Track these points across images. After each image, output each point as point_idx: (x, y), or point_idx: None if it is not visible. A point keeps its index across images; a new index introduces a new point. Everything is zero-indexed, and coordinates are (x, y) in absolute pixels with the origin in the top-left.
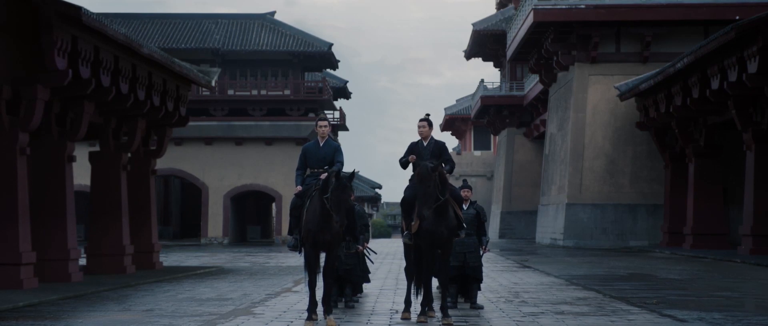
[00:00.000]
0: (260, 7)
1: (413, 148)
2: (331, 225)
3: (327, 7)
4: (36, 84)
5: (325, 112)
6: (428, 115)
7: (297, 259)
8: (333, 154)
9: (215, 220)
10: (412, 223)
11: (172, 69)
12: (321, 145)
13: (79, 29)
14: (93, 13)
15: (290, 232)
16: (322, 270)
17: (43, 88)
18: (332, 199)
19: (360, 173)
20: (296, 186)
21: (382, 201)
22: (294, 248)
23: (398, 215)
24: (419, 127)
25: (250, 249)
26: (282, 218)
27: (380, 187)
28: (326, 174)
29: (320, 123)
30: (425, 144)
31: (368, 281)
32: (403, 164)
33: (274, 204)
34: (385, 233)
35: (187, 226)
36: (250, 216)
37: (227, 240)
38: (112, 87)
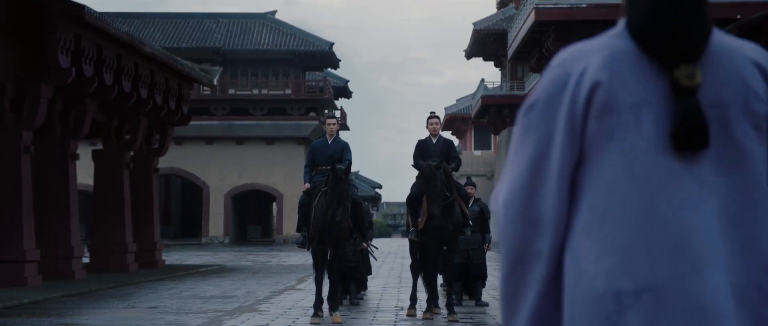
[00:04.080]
0: (261, 7)
1: (422, 146)
2: (337, 222)
3: (328, 6)
4: (39, 82)
5: (326, 110)
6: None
7: (298, 258)
8: (341, 152)
9: (216, 220)
10: (419, 220)
11: (174, 67)
12: (329, 142)
13: (83, 28)
14: (96, 12)
15: (298, 229)
16: (328, 266)
17: (46, 87)
18: (330, 192)
19: (360, 173)
20: (304, 183)
21: (382, 201)
22: (302, 245)
23: (398, 215)
24: (431, 123)
25: (252, 249)
26: (283, 217)
27: (380, 187)
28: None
29: (329, 120)
30: (434, 141)
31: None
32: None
33: (274, 204)
34: (385, 233)
35: (187, 226)
36: (251, 215)
37: (228, 239)
38: (114, 85)
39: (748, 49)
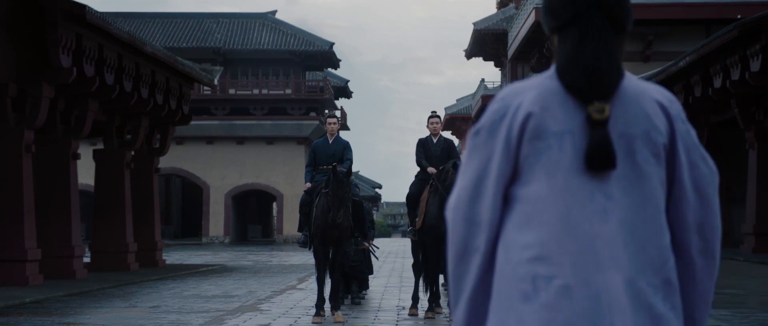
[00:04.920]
0: (261, 6)
1: (424, 145)
2: (339, 223)
3: (328, 6)
4: (41, 82)
5: (327, 110)
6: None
7: (299, 258)
8: (342, 151)
9: (216, 219)
10: (417, 219)
11: (175, 67)
12: (330, 141)
13: (84, 27)
14: (97, 12)
15: (300, 229)
16: (330, 266)
17: (48, 86)
18: (330, 195)
19: (360, 172)
20: (305, 182)
21: (382, 201)
22: (304, 244)
23: (398, 215)
24: (432, 123)
25: (252, 248)
26: (283, 217)
27: (380, 187)
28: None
29: (329, 120)
30: (435, 141)
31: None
32: (421, 166)
33: (275, 204)
34: (385, 233)
35: (188, 225)
36: (252, 215)
37: (228, 239)
38: (115, 85)
39: (654, 91)
